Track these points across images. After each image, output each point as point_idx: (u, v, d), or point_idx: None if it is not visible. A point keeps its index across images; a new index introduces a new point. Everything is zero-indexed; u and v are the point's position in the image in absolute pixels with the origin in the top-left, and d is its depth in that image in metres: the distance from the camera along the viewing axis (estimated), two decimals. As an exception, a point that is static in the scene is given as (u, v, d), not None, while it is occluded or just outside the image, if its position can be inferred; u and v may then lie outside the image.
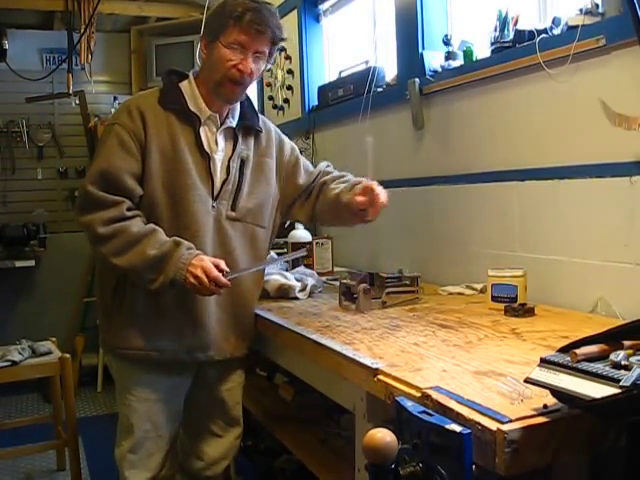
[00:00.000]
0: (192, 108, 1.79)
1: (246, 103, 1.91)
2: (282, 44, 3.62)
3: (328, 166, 2.07)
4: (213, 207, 1.78)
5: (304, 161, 2.04)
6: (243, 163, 1.84)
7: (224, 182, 1.80)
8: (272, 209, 1.93)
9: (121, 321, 1.77)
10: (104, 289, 1.83)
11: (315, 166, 2.09)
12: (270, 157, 1.93)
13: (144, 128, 1.72)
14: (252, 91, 4.12)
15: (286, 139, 2.04)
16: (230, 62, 1.71)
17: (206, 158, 1.77)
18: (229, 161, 1.82)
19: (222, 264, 1.67)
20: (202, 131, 1.79)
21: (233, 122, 1.85)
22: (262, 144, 1.92)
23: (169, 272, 1.63)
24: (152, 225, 1.69)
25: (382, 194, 1.75)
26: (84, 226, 1.69)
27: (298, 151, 2.05)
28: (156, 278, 1.64)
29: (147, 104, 1.77)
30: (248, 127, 1.88)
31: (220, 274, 1.64)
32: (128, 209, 1.69)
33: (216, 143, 1.81)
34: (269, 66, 1.85)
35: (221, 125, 1.82)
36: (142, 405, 1.80)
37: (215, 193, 1.79)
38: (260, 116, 1.96)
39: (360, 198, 1.75)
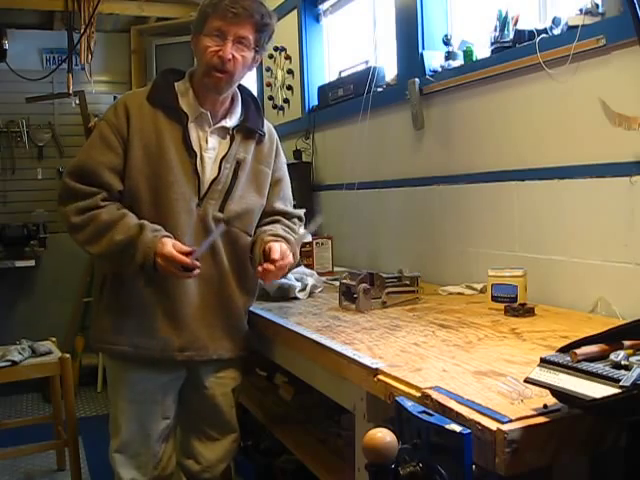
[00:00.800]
0: (182, 106, 1.78)
1: (252, 106, 1.89)
2: (282, 45, 3.67)
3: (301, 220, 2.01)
4: (198, 206, 1.76)
5: (285, 187, 1.97)
6: (239, 165, 1.81)
7: (213, 181, 1.78)
8: (257, 220, 1.89)
9: (103, 316, 1.79)
10: (95, 287, 1.87)
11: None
12: (268, 167, 1.89)
13: (127, 123, 1.73)
14: (252, 91, 4.12)
15: (282, 155, 1.99)
16: (210, 49, 1.70)
17: (193, 156, 1.76)
18: (222, 160, 1.79)
19: (185, 247, 1.64)
20: (191, 129, 1.77)
21: (229, 122, 1.82)
22: (263, 151, 1.89)
23: (138, 257, 1.64)
24: (123, 210, 1.70)
25: (281, 262, 1.71)
26: (62, 216, 1.74)
27: (285, 173, 1.98)
28: (129, 262, 1.66)
29: (134, 100, 1.78)
30: (249, 130, 1.85)
31: (186, 257, 1.62)
32: (103, 200, 1.70)
33: (206, 142, 1.79)
34: (259, 57, 1.80)
35: (215, 124, 1.81)
36: (129, 405, 1.80)
37: (202, 192, 1.77)
38: (266, 123, 1.93)
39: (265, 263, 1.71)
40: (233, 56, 1.70)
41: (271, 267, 1.68)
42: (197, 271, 1.65)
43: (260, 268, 1.70)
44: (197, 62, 1.79)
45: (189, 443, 1.95)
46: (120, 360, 1.81)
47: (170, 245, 1.64)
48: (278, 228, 1.86)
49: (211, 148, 1.80)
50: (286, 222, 1.91)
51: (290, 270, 1.87)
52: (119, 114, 1.75)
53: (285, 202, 1.96)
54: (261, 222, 1.89)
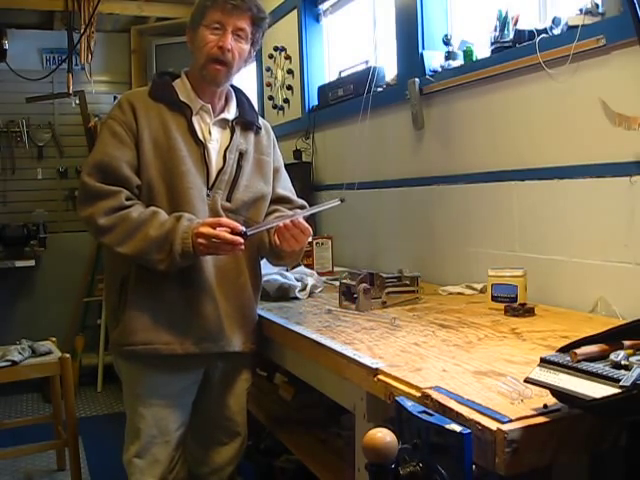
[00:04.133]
0: (183, 99, 1.80)
1: (245, 101, 1.92)
2: (282, 45, 3.66)
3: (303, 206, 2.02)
4: (208, 196, 1.77)
5: (285, 176, 2.01)
6: (241, 156, 1.84)
7: (220, 171, 1.80)
8: (266, 209, 1.91)
9: (127, 317, 1.74)
10: (110, 288, 1.81)
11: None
12: (269, 156, 1.93)
13: (135, 119, 1.74)
14: (252, 91, 4.13)
15: (279, 150, 2.03)
16: (210, 41, 1.73)
17: (200, 146, 1.77)
18: (226, 151, 1.81)
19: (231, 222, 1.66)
20: (195, 121, 1.79)
21: (229, 115, 1.86)
22: (262, 142, 1.92)
23: (177, 247, 1.62)
24: (152, 208, 1.69)
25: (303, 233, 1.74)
26: (85, 220, 1.70)
27: (283, 165, 2.03)
28: (164, 257, 1.63)
29: (137, 97, 1.79)
30: (247, 122, 1.89)
31: (226, 228, 1.62)
32: (127, 199, 1.69)
33: (210, 133, 1.81)
34: (254, 52, 1.84)
35: (216, 117, 1.83)
36: (149, 410, 1.78)
37: (210, 182, 1.78)
38: (261, 119, 1.97)
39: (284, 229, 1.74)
40: (232, 47, 1.73)
41: (288, 223, 1.70)
42: (242, 247, 1.63)
43: (282, 224, 1.71)
44: (195, 55, 1.78)
45: (198, 448, 1.95)
46: (141, 363, 1.76)
47: (207, 223, 1.63)
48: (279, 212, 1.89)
49: (215, 139, 1.82)
50: (287, 211, 1.92)
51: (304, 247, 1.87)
52: (125, 110, 1.75)
53: (286, 190, 1.99)
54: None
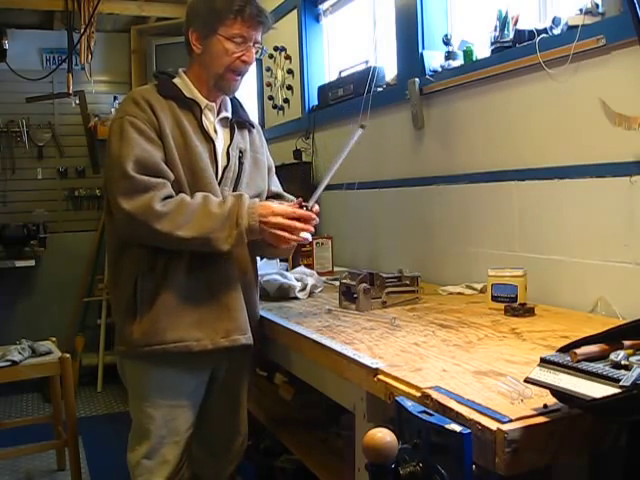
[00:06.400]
0: (189, 96, 1.80)
1: (236, 101, 1.93)
2: (282, 45, 3.66)
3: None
4: None
5: (275, 175, 2.04)
6: (242, 154, 1.85)
7: (225, 168, 1.81)
8: None
9: (152, 316, 1.70)
10: (124, 286, 1.74)
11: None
12: (262, 155, 1.95)
13: (155, 115, 1.71)
14: (252, 91, 4.13)
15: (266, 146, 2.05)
16: (235, 54, 1.73)
17: (210, 143, 1.78)
18: (229, 149, 1.83)
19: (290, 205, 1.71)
20: (203, 117, 1.80)
21: (228, 114, 1.87)
22: (256, 142, 1.95)
23: (243, 220, 1.63)
24: (202, 192, 1.69)
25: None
26: (138, 209, 1.61)
27: (272, 162, 2.05)
28: (229, 234, 1.63)
29: (149, 94, 1.77)
30: (242, 122, 1.91)
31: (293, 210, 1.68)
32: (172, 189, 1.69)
33: (215, 131, 1.82)
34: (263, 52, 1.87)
35: (218, 115, 1.84)
36: (159, 411, 1.76)
37: (217, 179, 1.78)
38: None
39: None
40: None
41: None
42: (316, 221, 1.74)
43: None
44: (206, 61, 1.77)
45: (199, 447, 1.94)
46: (150, 363, 1.74)
47: (275, 203, 1.69)
48: None
49: (219, 137, 1.83)
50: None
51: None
52: (144, 108, 1.71)
53: (279, 188, 2.03)
54: None
